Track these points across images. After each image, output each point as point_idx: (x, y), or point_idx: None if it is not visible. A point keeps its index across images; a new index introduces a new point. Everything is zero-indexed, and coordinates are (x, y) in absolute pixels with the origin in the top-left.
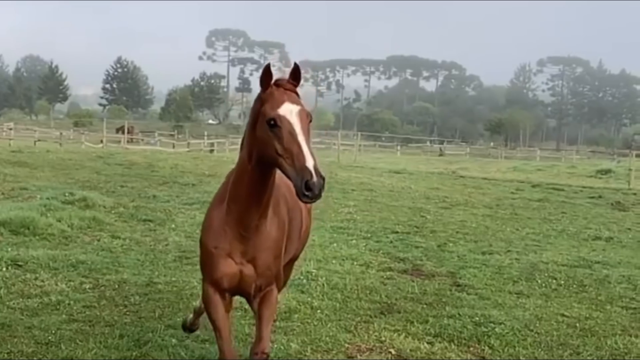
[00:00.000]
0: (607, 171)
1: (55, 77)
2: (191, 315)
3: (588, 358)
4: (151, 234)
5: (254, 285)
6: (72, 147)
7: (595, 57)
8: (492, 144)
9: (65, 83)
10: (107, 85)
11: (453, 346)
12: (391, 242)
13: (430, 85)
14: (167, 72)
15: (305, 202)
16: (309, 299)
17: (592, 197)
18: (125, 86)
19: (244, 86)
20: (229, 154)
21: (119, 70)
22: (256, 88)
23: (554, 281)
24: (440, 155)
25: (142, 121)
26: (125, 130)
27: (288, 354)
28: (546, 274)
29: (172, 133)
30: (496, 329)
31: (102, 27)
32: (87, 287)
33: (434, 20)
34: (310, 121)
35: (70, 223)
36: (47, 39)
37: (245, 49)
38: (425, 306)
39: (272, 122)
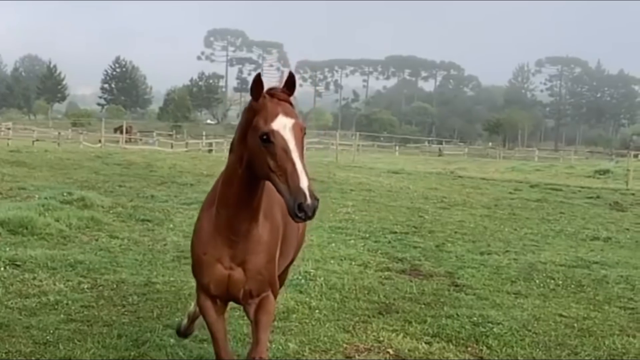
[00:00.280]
0: (606, 171)
1: (54, 77)
2: (185, 321)
3: (586, 358)
4: (149, 233)
5: (242, 290)
6: (70, 147)
7: (593, 58)
8: (490, 144)
9: (64, 83)
10: (106, 85)
11: (451, 346)
12: (389, 242)
13: (428, 86)
14: (165, 72)
15: (297, 222)
16: (307, 299)
17: (591, 198)
18: (123, 86)
19: (243, 86)
20: (227, 154)
21: (118, 70)
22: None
23: (552, 281)
24: (440, 155)
25: (141, 121)
26: (124, 130)
27: (286, 354)
28: (544, 274)
29: (171, 133)
30: (494, 329)
31: (101, 27)
32: (85, 286)
33: (433, 20)
34: (304, 134)
35: (68, 223)
36: (46, 38)
37: (244, 49)
38: (423, 306)
39: (264, 137)
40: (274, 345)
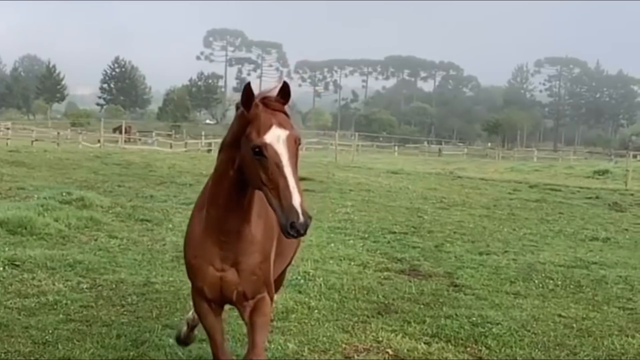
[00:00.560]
0: (605, 172)
1: (53, 77)
2: (185, 328)
3: (585, 358)
4: (148, 233)
5: (236, 291)
6: (69, 146)
7: (592, 58)
8: (489, 144)
9: (63, 83)
10: (105, 85)
11: (450, 346)
12: (388, 242)
13: (427, 86)
14: (164, 72)
15: (288, 239)
16: (307, 299)
17: (590, 198)
18: (122, 86)
19: (242, 86)
20: None
21: (117, 70)
22: (254, 88)
23: (551, 282)
24: (439, 155)
25: (140, 121)
26: (123, 130)
27: (285, 354)
28: (543, 275)
29: (170, 133)
30: (493, 330)
31: (100, 27)
32: (85, 286)
33: (432, 20)
34: (300, 144)
35: (67, 223)
36: (45, 38)
37: (243, 49)
38: (422, 306)
39: (257, 150)
40: (273, 346)
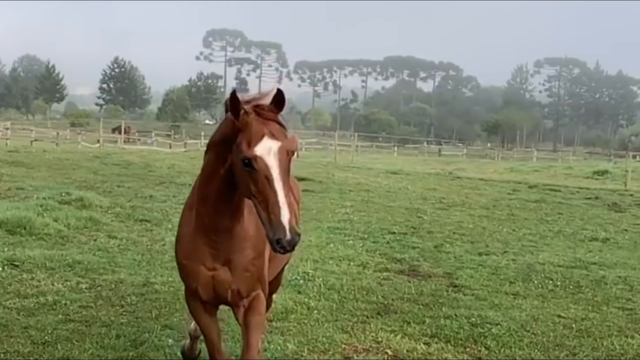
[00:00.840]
0: (604, 172)
1: (52, 77)
2: (188, 341)
3: (584, 359)
4: (148, 234)
5: (230, 290)
6: (68, 147)
7: (592, 58)
8: (489, 144)
9: (62, 83)
10: (104, 85)
11: (450, 347)
12: (388, 242)
13: (427, 86)
14: (164, 72)
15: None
16: (306, 300)
17: (589, 198)
18: (122, 86)
19: (241, 86)
20: None
21: (116, 70)
22: (253, 88)
23: (551, 282)
24: (438, 156)
25: (139, 121)
26: (122, 130)
27: (285, 354)
28: (543, 275)
29: (169, 133)
30: (493, 330)
31: (100, 27)
32: (84, 287)
33: (432, 21)
34: (293, 154)
35: (66, 223)
36: (45, 38)
37: (243, 49)
38: (421, 307)
39: (247, 162)
40: (272, 346)
